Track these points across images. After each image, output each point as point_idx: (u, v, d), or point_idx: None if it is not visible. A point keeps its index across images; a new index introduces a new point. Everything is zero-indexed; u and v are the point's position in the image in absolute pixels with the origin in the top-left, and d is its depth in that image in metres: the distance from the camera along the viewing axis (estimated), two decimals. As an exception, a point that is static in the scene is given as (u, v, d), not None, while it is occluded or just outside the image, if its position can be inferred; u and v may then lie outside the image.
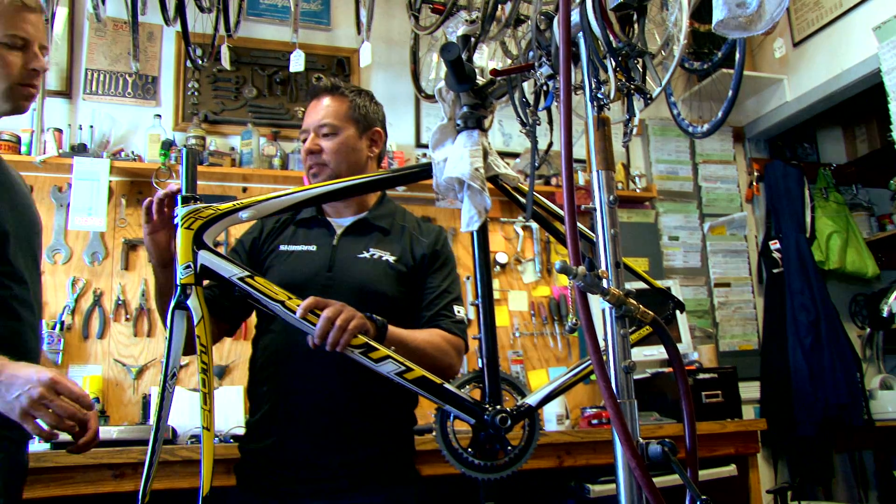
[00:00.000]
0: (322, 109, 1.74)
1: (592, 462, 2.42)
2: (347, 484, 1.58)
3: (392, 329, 1.52)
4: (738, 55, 1.29)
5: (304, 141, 1.76)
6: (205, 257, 1.29)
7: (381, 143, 1.83)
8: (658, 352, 3.06)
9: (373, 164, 1.81)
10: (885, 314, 3.55)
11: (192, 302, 1.26)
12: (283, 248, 1.75)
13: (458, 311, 1.75)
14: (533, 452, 1.43)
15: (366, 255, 1.71)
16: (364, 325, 1.36)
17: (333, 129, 1.72)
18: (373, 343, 1.33)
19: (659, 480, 0.93)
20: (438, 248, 1.80)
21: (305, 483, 1.57)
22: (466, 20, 1.53)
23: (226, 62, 3.11)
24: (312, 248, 1.73)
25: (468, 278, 3.29)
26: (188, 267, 1.27)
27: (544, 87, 1.26)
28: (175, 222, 1.32)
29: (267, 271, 1.72)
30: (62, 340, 2.77)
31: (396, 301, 1.69)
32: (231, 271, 1.30)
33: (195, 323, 1.25)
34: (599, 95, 1.08)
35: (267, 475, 1.60)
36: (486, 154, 1.42)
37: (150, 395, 2.77)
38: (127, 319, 2.91)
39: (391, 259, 1.72)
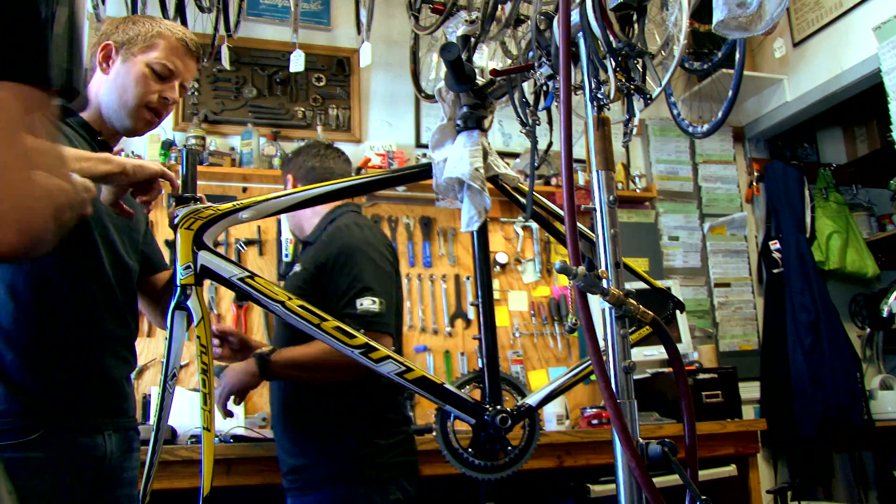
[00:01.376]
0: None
1: (592, 462, 2.42)
2: (288, 484, 1.79)
3: (277, 356, 1.67)
4: (738, 55, 1.29)
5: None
6: (205, 258, 1.29)
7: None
8: (658, 352, 3.05)
9: None
10: (885, 314, 3.55)
11: (192, 302, 1.26)
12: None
13: (361, 304, 1.73)
14: (533, 452, 1.43)
15: (294, 269, 1.91)
16: (238, 385, 1.70)
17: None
18: (373, 343, 1.34)
19: (659, 480, 0.93)
20: (326, 249, 1.83)
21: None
22: (466, 20, 1.53)
23: (226, 62, 3.11)
24: (298, 267, 1.93)
25: (468, 278, 3.30)
26: (188, 267, 1.28)
27: (544, 87, 1.26)
28: (174, 223, 1.32)
29: None
30: (62, 340, 2.77)
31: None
32: (231, 271, 1.30)
33: (195, 323, 1.26)
34: (599, 95, 1.08)
35: None
36: (486, 154, 1.42)
37: (150, 395, 2.77)
38: (127, 319, 2.91)
39: (298, 269, 1.86)
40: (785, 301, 3.75)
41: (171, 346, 1.26)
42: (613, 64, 1.07)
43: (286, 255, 3.04)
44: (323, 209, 1.96)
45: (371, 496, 1.69)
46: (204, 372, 1.24)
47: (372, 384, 1.75)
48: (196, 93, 3.24)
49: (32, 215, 0.61)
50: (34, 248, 0.61)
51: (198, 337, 1.25)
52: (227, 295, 3.02)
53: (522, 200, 1.51)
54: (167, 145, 3.01)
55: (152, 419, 2.63)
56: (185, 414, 2.41)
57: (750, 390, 3.63)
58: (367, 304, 1.73)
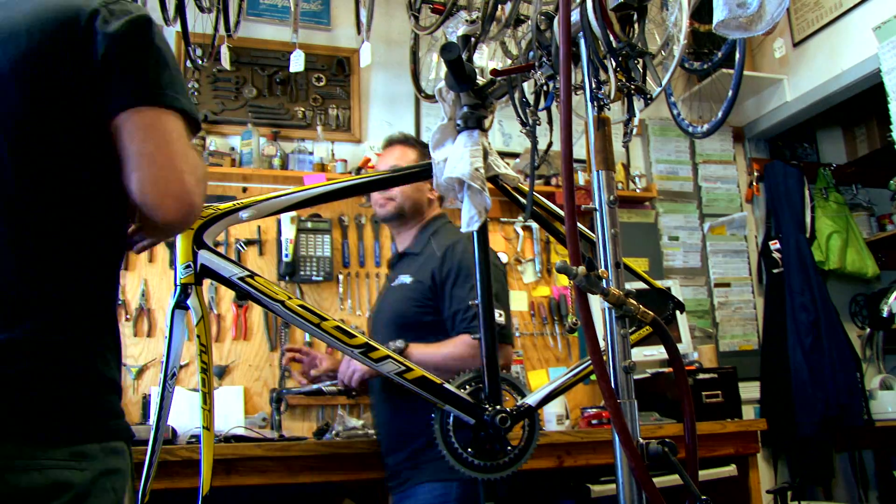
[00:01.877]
0: (395, 154, 2.08)
1: (592, 462, 2.41)
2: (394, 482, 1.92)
3: (412, 351, 1.70)
4: (737, 55, 1.30)
5: None
6: (205, 257, 1.29)
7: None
8: (658, 352, 3.05)
9: (435, 204, 2.09)
10: (885, 314, 3.55)
11: (193, 301, 1.26)
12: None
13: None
14: (533, 452, 1.43)
15: (396, 282, 1.96)
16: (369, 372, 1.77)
17: None
18: (372, 343, 1.34)
19: (659, 480, 0.93)
20: (446, 259, 1.88)
21: None
22: (466, 20, 1.53)
23: (226, 62, 3.11)
24: (408, 279, 2.03)
25: (468, 278, 3.29)
26: (188, 266, 1.28)
27: (544, 87, 1.26)
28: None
29: None
30: (62, 340, 2.77)
31: (417, 317, 1.86)
32: (231, 271, 1.30)
33: (195, 322, 1.26)
34: (599, 95, 1.08)
35: None
36: (486, 154, 1.42)
37: (150, 395, 2.77)
38: (127, 319, 2.91)
39: (408, 280, 1.90)
40: (785, 301, 3.75)
41: (170, 345, 1.26)
42: (614, 64, 1.07)
43: (286, 255, 3.04)
44: (418, 221, 2.05)
45: (466, 490, 1.73)
46: (204, 371, 1.24)
47: None
48: (196, 93, 3.24)
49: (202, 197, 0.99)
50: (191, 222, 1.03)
51: (197, 336, 1.25)
52: (228, 295, 3.02)
53: (522, 200, 1.52)
54: (167, 145, 3.00)
55: (152, 419, 2.64)
56: (185, 414, 2.41)
57: (750, 390, 3.63)
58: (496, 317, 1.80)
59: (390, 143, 2.18)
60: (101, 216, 1.02)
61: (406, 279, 1.92)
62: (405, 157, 2.06)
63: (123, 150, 0.94)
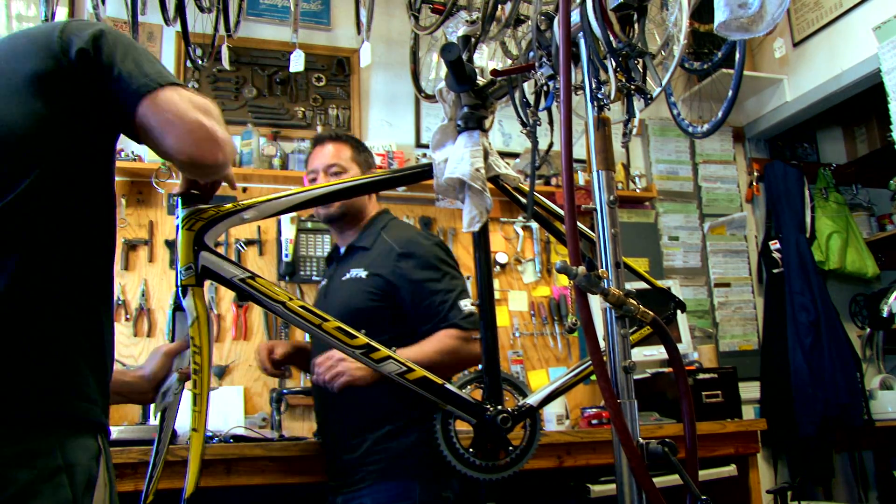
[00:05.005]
0: (329, 153, 2.00)
1: (592, 462, 2.41)
2: (339, 482, 1.85)
3: (399, 354, 1.61)
4: (738, 55, 1.29)
5: (314, 180, 1.99)
6: (206, 258, 1.29)
7: None
8: (658, 352, 3.05)
9: (374, 199, 2.06)
10: (885, 314, 3.55)
11: (188, 302, 1.26)
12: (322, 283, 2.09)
13: (465, 306, 1.82)
14: (533, 452, 1.43)
15: (346, 276, 1.90)
16: (359, 381, 1.64)
17: (341, 169, 1.97)
18: (374, 344, 1.34)
19: (659, 480, 0.93)
20: (412, 254, 1.86)
21: None
22: (466, 20, 1.53)
23: (226, 62, 3.11)
24: (324, 281, 2.05)
25: (468, 278, 3.29)
26: (189, 268, 1.28)
27: (544, 88, 1.26)
28: (176, 223, 1.32)
29: None
30: (62, 340, 2.77)
31: (375, 311, 1.81)
32: (232, 272, 1.30)
33: (189, 323, 1.25)
34: (599, 95, 1.08)
35: None
36: (486, 154, 1.42)
37: (150, 395, 2.77)
38: (127, 319, 2.91)
39: (363, 274, 1.86)
40: (785, 301, 3.75)
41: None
42: (614, 64, 1.08)
43: (286, 255, 3.04)
44: (361, 218, 2.01)
45: (427, 491, 1.71)
46: (196, 372, 1.23)
47: None
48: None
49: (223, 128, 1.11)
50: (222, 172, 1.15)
51: (192, 337, 1.25)
52: (228, 295, 3.02)
53: (523, 200, 1.52)
54: (167, 145, 3.00)
55: (154, 419, 2.64)
56: (186, 414, 2.40)
57: (750, 390, 3.63)
58: (469, 305, 1.81)
59: (320, 140, 2.06)
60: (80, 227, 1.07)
61: (360, 272, 1.87)
62: (341, 154, 2.00)
63: (149, 132, 1.08)
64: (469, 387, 1.47)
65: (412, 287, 1.82)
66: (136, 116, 1.07)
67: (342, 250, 2.01)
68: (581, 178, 3.46)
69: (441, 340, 1.75)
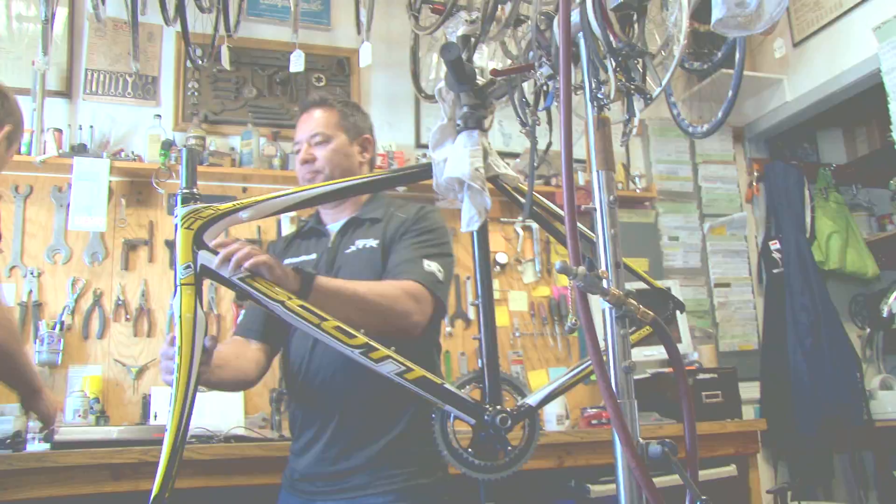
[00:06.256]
0: (313, 121, 1.83)
1: (592, 462, 2.42)
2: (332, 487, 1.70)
3: (323, 280, 1.47)
4: (737, 55, 1.29)
5: (298, 152, 1.84)
6: (205, 257, 1.29)
7: (371, 148, 1.92)
8: (658, 352, 3.05)
9: (365, 168, 1.90)
10: (885, 314, 3.55)
11: (174, 301, 1.25)
12: (286, 261, 1.81)
13: (428, 265, 1.67)
14: (533, 452, 1.43)
15: (353, 248, 1.77)
16: (275, 269, 1.34)
17: (325, 138, 1.81)
18: (373, 343, 1.33)
19: (659, 480, 0.93)
20: (411, 218, 1.78)
21: None
22: (466, 20, 1.53)
23: (226, 62, 3.11)
24: (313, 256, 1.82)
25: (468, 278, 3.29)
26: (188, 267, 1.27)
27: (544, 88, 1.26)
28: (175, 222, 1.32)
29: None
30: (62, 340, 2.77)
31: None
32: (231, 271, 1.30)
33: (167, 320, 1.23)
34: (599, 95, 1.08)
35: None
36: (486, 154, 1.42)
37: (150, 395, 2.77)
38: (127, 319, 2.91)
39: (374, 244, 1.75)
40: (785, 301, 3.75)
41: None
42: (613, 64, 1.07)
43: (286, 255, 3.04)
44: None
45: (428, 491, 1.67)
46: (172, 372, 1.22)
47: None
48: (196, 93, 3.24)
49: None
50: None
51: (174, 336, 1.24)
52: (228, 295, 3.02)
53: (522, 200, 1.51)
54: (167, 145, 3.01)
55: (152, 418, 2.63)
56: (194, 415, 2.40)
57: (750, 390, 3.63)
58: (434, 266, 1.67)
59: (305, 107, 1.88)
60: None
61: (371, 243, 1.75)
62: (327, 121, 1.83)
63: None
64: (468, 387, 1.47)
65: (403, 237, 1.74)
66: None
67: (332, 226, 1.85)
68: (581, 178, 3.46)
69: (385, 284, 1.62)
